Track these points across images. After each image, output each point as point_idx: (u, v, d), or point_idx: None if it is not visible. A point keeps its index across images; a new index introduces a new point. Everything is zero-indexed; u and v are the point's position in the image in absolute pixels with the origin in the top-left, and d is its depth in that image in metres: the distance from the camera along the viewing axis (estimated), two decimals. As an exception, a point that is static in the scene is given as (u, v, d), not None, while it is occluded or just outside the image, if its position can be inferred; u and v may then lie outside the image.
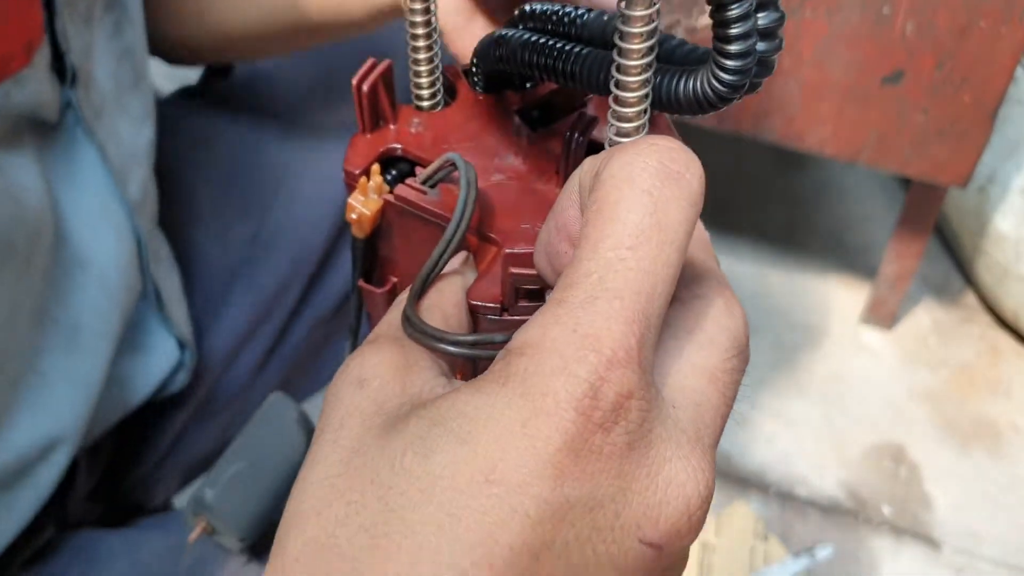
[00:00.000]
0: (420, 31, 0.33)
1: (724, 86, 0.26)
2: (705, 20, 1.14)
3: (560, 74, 0.29)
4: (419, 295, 0.29)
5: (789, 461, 1.29)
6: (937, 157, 1.17)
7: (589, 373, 0.21)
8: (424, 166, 0.33)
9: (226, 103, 0.72)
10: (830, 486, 1.27)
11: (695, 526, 0.23)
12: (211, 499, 0.50)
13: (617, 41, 0.25)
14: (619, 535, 0.22)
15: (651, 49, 0.25)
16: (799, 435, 1.32)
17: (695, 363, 0.25)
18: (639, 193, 0.23)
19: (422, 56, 0.34)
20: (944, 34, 1.08)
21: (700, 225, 0.29)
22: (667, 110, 0.27)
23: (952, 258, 1.54)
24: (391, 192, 0.32)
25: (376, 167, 0.32)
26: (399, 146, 0.33)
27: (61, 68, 0.48)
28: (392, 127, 0.34)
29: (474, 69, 0.35)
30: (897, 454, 1.31)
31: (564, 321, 0.22)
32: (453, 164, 0.30)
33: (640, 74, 0.25)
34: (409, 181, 0.32)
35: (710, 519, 1.11)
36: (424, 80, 0.34)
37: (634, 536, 0.22)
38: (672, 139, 0.25)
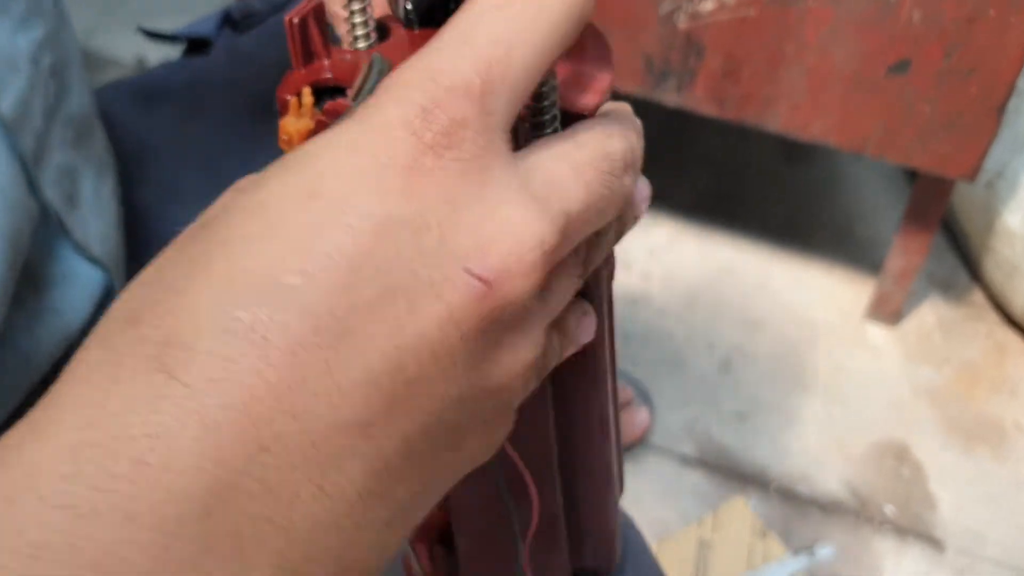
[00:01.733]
0: None
1: None
2: (709, 5, 1.11)
3: None
4: None
5: (790, 458, 1.27)
6: (943, 149, 1.15)
7: (423, 97, 0.22)
8: None
9: (210, 80, 0.70)
10: (832, 484, 1.25)
11: (527, 270, 0.22)
12: None
13: None
14: (444, 261, 0.21)
15: None
16: (801, 431, 1.29)
17: (559, 153, 0.25)
18: None
19: None
20: (951, 23, 1.06)
21: (627, 107, 0.29)
22: None
23: (959, 255, 1.52)
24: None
25: (307, 89, 0.31)
26: (330, 74, 0.32)
27: None
28: (325, 62, 0.33)
29: (403, 5, 0.33)
30: (900, 453, 1.29)
31: (415, 63, 0.23)
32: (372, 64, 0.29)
33: None
34: (339, 99, 0.31)
35: (708, 516, 1.09)
36: (357, 19, 0.33)
37: (460, 265, 0.21)
38: None
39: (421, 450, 0.22)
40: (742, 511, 1.09)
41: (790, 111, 1.16)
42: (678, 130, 1.63)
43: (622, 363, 1.34)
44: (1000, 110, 1.11)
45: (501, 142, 0.23)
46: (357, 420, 0.20)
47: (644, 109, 1.41)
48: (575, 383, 0.36)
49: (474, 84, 0.22)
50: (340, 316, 0.20)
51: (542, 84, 0.26)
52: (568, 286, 0.26)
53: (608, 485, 0.41)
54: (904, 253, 1.32)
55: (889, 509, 1.23)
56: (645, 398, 1.28)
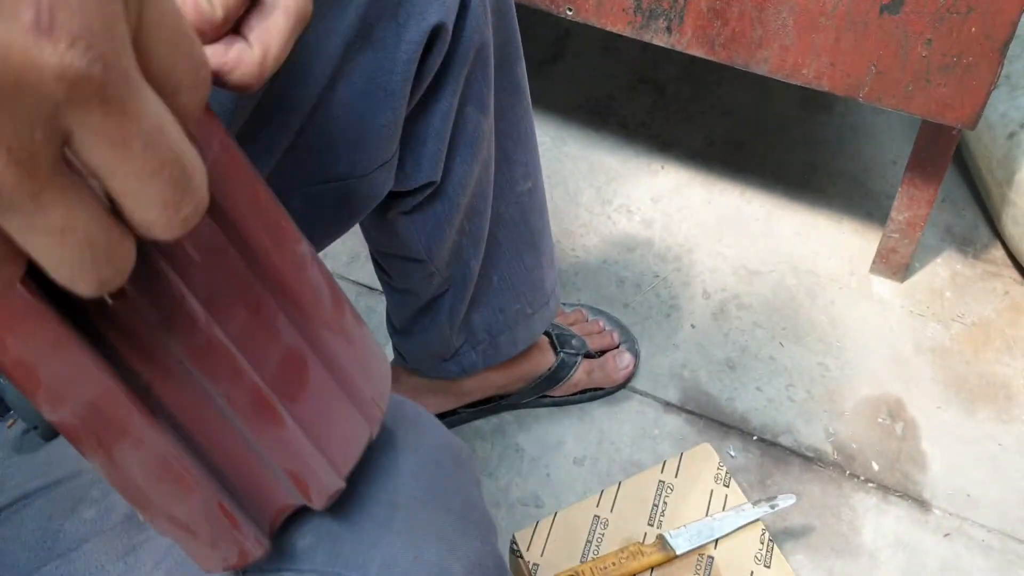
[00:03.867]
0: None
1: None
2: (694, -59, 1.08)
3: None
4: None
5: (776, 408, 1.24)
6: (942, 94, 1.10)
7: None
8: None
9: None
10: (817, 438, 1.22)
11: None
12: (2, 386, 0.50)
13: None
14: None
15: None
16: (791, 383, 1.27)
17: None
18: None
19: None
20: (946, -42, 1.00)
21: None
22: None
23: (981, 209, 1.45)
24: None
25: None
26: None
27: None
28: None
29: None
30: (895, 410, 1.25)
31: None
32: None
33: None
34: None
35: (672, 460, 1.08)
36: None
37: None
38: None
39: None
40: (707, 457, 1.07)
41: (780, 53, 1.13)
42: (695, 76, 1.60)
43: (613, 307, 1.33)
44: (1002, 51, 1.05)
45: None
46: None
47: (663, 54, 1.36)
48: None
49: None
50: None
51: None
52: None
53: (261, 425, 0.40)
54: (909, 204, 1.27)
55: (876, 466, 1.20)
56: (632, 344, 1.27)
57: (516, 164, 0.98)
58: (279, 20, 0.39)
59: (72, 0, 0.22)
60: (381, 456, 0.51)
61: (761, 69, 1.15)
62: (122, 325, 0.35)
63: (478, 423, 1.23)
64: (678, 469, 1.08)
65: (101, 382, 0.35)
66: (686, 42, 1.17)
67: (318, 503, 0.42)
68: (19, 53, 0.21)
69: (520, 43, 0.91)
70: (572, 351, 1.21)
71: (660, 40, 1.18)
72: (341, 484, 0.43)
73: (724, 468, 1.08)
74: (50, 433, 0.52)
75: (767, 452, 1.20)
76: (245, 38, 0.39)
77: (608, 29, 1.20)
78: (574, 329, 1.25)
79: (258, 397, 0.38)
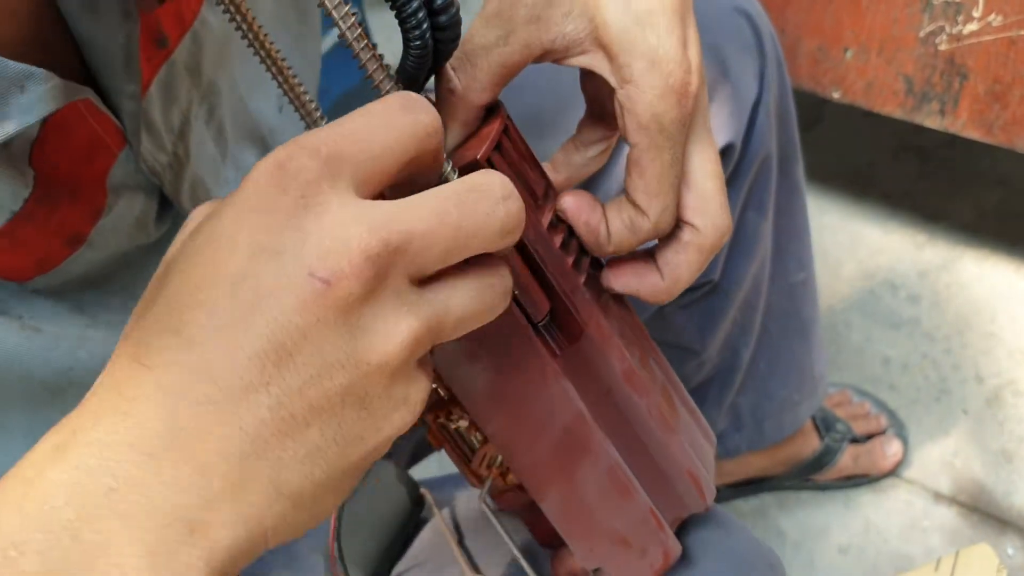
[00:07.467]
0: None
1: (413, 59, 0.36)
2: (973, 26, 1.06)
3: None
4: None
5: (1060, 505, 1.17)
6: None
7: (282, 154, 0.30)
8: None
9: None
10: (1108, 538, 1.14)
11: (356, 271, 0.29)
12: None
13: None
14: (295, 271, 0.29)
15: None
16: (1076, 477, 1.19)
17: (424, 194, 0.32)
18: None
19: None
20: None
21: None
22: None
23: None
24: None
25: None
26: None
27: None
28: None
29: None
30: None
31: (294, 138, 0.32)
32: None
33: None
34: None
35: (948, 558, 1.04)
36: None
37: (306, 272, 0.29)
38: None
39: (312, 411, 0.29)
40: (986, 557, 1.03)
41: (1068, 135, 1.08)
42: (963, 143, 1.54)
43: (878, 389, 1.30)
44: None
45: (345, 190, 0.30)
46: (254, 382, 0.29)
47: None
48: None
49: (320, 150, 0.30)
50: (238, 310, 0.29)
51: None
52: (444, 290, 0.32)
53: (666, 433, 0.47)
54: None
55: None
56: (899, 429, 1.24)
57: (790, 256, 0.99)
58: (691, 257, 0.44)
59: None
60: (696, 559, 0.54)
61: (1045, 152, 1.10)
62: (582, 364, 0.44)
63: (737, 502, 1.24)
64: (953, 569, 1.04)
65: (573, 406, 0.43)
66: (960, 125, 1.14)
67: (709, 499, 0.50)
68: None
69: (799, 144, 0.93)
70: (837, 436, 1.20)
71: (932, 123, 1.16)
72: (714, 491, 0.51)
73: (1005, 572, 1.03)
74: None
75: (1051, 551, 1.14)
76: (658, 268, 0.45)
77: (877, 112, 1.19)
78: (838, 412, 1.23)
79: (659, 410, 0.47)
